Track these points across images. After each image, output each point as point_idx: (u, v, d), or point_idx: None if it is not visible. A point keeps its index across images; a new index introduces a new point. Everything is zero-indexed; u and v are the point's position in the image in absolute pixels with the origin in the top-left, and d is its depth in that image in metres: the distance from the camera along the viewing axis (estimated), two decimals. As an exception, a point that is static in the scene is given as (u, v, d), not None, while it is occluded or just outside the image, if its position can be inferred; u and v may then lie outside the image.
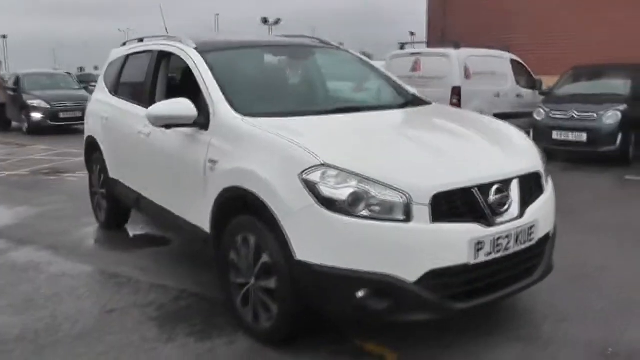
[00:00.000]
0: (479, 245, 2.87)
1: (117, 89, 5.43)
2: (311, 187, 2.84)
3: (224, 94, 3.68)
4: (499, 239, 2.94)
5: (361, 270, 2.78)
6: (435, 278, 2.81)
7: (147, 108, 3.91)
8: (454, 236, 2.84)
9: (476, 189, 2.91)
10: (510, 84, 10.40)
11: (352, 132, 3.53)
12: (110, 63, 5.78)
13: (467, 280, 2.93)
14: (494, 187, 2.97)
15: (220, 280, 3.58)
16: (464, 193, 2.91)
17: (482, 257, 2.89)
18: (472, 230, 2.87)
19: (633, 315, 3.57)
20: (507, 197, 3.02)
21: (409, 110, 4.19)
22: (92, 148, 5.72)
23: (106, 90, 5.60)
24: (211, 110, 3.63)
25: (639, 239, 5.16)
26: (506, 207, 3.01)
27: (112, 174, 5.27)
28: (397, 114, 4.13)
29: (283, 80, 4.70)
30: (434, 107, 4.37)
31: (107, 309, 3.78)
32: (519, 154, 3.45)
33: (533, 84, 10.87)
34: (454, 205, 2.88)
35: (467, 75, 9.39)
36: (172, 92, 4.39)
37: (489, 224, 2.92)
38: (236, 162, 3.27)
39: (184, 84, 4.34)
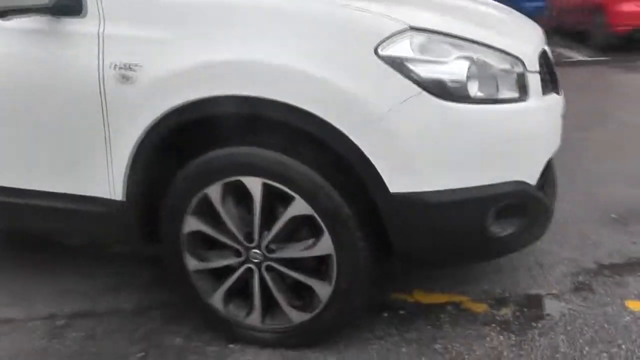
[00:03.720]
0: None
1: None
2: (399, 67, 1.67)
3: None
4: None
5: (490, 184, 1.78)
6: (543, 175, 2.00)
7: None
8: (558, 111, 2.07)
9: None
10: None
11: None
12: None
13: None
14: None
15: (173, 273, 2.04)
16: (544, 59, 2.15)
17: None
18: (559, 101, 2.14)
19: None
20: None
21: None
22: None
23: None
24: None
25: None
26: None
27: None
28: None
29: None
30: None
31: None
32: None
33: None
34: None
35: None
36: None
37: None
38: (215, 52, 1.76)
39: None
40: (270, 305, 1.95)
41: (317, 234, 1.81)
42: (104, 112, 1.87)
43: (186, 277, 1.98)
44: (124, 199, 1.95)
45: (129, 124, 1.85)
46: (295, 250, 1.85)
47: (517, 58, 1.81)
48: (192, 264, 1.96)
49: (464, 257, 1.88)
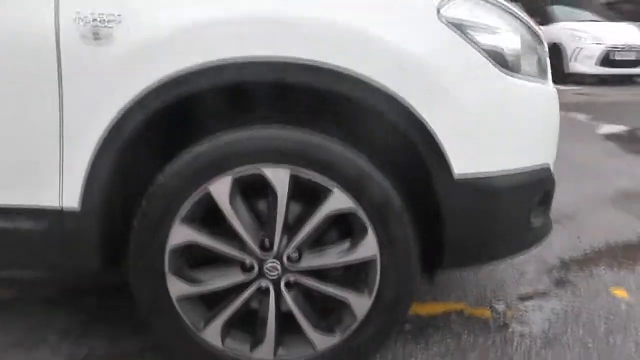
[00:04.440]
0: None
1: None
2: (462, 31, 1.43)
3: None
4: None
5: (538, 168, 1.62)
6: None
7: None
8: None
9: None
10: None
11: None
12: None
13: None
14: None
15: (146, 306, 1.49)
16: None
17: None
18: None
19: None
20: None
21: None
22: None
23: None
24: None
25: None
26: None
27: None
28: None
29: None
30: None
31: None
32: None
33: None
34: None
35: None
36: None
37: None
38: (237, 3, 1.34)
39: None
40: (283, 333, 1.53)
41: (354, 234, 1.46)
42: (59, 85, 1.34)
43: (167, 309, 1.48)
44: (79, 208, 1.40)
45: (96, 102, 1.34)
46: (329, 257, 1.48)
47: (540, 39, 1.70)
48: (177, 288, 1.47)
49: (509, 251, 1.67)
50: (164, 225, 1.41)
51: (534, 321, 1.93)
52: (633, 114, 5.74)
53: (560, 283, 2.22)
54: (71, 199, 1.40)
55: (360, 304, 1.49)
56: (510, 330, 1.88)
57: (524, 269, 2.34)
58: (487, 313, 1.98)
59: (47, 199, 1.40)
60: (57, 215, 1.41)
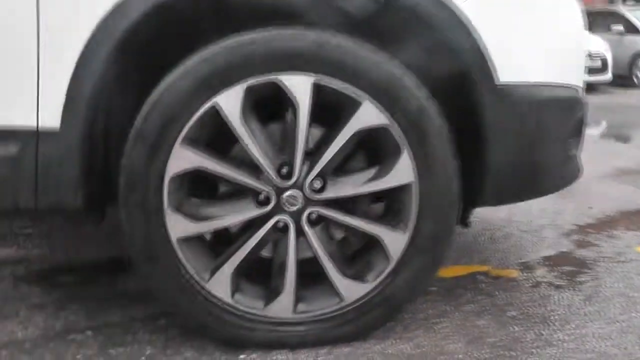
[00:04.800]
0: None
1: None
2: None
3: None
4: None
5: (572, 86, 1.45)
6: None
7: None
8: None
9: None
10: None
11: None
12: None
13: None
14: None
15: (142, 251, 1.22)
16: None
17: None
18: None
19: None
20: None
21: None
22: None
23: None
24: None
25: None
26: None
27: None
28: None
29: None
30: None
31: None
32: None
33: None
34: None
35: None
36: None
37: None
38: None
39: None
40: (302, 284, 1.30)
41: (386, 157, 1.26)
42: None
43: (166, 253, 1.23)
44: (59, 127, 1.15)
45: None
46: (358, 185, 1.26)
47: None
48: (178, 227, 1.22)
49: (549, 183, 1.47)
50: (163, 148, 1.17)
51: (567, 277, 1.75)
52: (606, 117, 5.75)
53: (582, 245, 2.06)
54: (49, 117, 1.14)
55: (394, 241, 1.27)
56: (544, 286, 1.68)
57: (540, 234, 2.16)
58: (514, 273, 1.79)
59: (18, 117, 1.14)
60: (30, 138, 1.15)
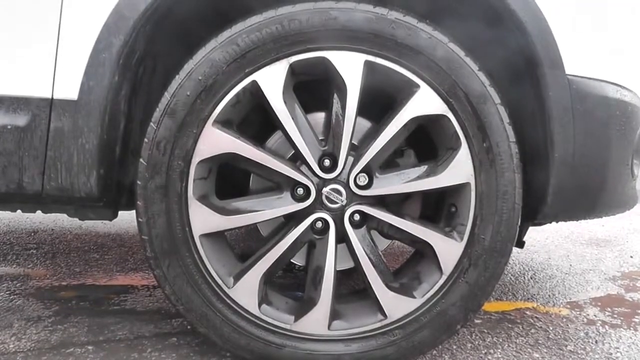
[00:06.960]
0: None
1: None
2: None
3: None
4: None
5: (635, 95, 1.33)
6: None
7: None
8: None
9: None
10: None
11: None
12: None
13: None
14: None
15: (157, 246, 1.06)
16: None
17: None
18: None
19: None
20: None
21: None
22: None
23: None
24: None
25: None
26: None
27: None
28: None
29: None
30: None
31: None
32: None
33: None
34: None
35: None
36: None
37: None
38: None
39: None
40: (339, 298, 1.12)
41: (442, 151, 1.12)
42: None
43: (186, 249, 1.06)
44: (77, 96, 1.02)
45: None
46: (408, 182, 1.11)
47: None
48: (203, 220, 1.07)
49: (611, 202, 1.30)
50: (192, 127, 1.03)
51: (622, 317, 1.56)
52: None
53: (631, 289, 1.87)
54: (67, 84, 1.02)
55: (447, 250, 1.11)
56: (599, 324, 1.49)
57: (584, 277, 1.99)
58: (565, 311, 1.61)
59: (30, 84, 1.01)
60: (43, 108, 1.02)
